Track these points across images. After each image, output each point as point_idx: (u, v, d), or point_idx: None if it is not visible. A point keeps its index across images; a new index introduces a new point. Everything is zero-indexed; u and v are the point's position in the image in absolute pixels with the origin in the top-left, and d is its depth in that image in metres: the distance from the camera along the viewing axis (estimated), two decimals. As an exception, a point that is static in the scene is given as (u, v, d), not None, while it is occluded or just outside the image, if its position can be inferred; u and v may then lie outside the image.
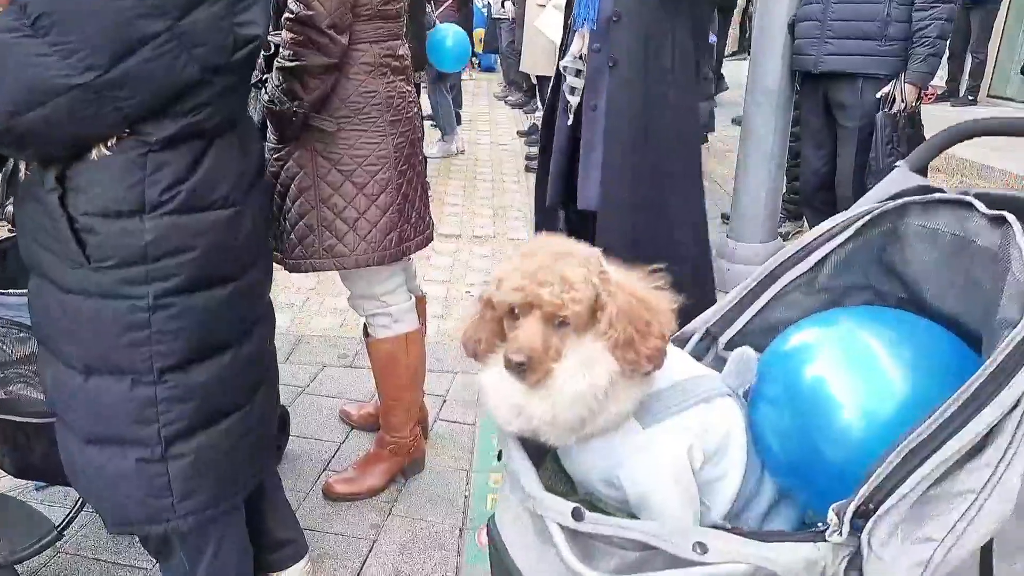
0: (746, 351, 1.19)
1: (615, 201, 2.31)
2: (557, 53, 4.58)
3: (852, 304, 1.32)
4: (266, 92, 1.96)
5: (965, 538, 0.92)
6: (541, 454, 1.25)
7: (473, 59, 10.89)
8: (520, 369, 1.04)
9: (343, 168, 2.02)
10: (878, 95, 3.21)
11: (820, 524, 1.01)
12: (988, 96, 7.97)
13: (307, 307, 3.73)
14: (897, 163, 1.37)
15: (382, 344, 2.25)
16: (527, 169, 6.11)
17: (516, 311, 1.09)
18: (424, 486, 2.43)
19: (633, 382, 1.11)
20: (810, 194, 3.70)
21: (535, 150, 6.41)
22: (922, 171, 1.35)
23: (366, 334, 2.33)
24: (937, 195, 1.15)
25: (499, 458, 1.25)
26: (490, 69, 11.28)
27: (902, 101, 3.11)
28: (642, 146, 2.28)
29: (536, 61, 5.53)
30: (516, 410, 1.10)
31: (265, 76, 1.97)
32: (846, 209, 3.64)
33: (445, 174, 5.95)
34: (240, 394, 1.54)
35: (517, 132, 7.44)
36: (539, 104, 7.36)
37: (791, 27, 3.48)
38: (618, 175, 2.29)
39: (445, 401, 2.93)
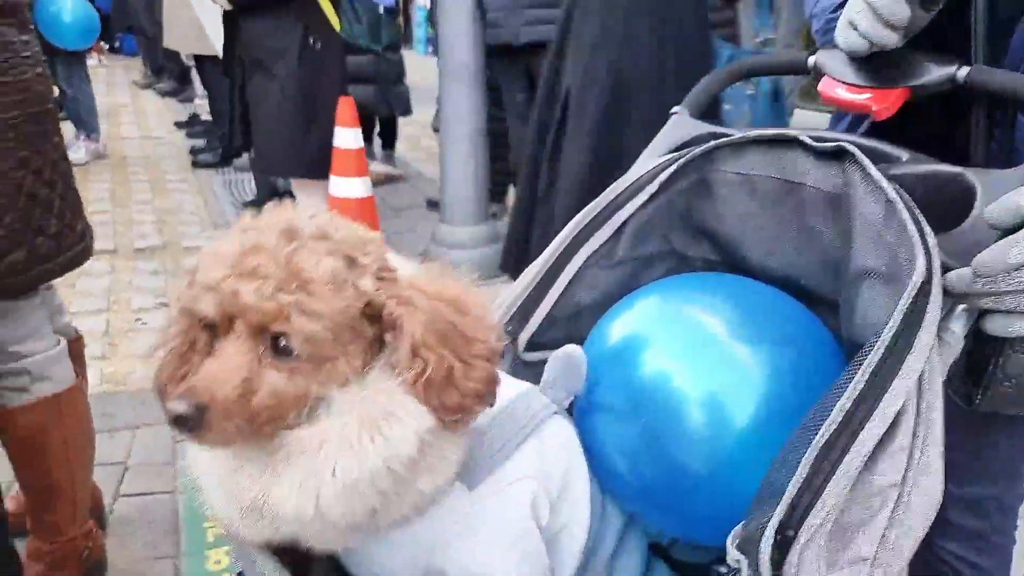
0: (573, 351, 0.90)
1: None
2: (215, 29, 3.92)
3: (655, 276, 1.12)
4: None
5: (898, 549, 0.74)
6: (304, 557, 0.82)
7: (102, 43, 9.21)
8: (184, 425, 0.64)
9: None
10: None
11: (722, 568, 0.77)
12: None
13: None
14: (676, 110, 1.19)
15: (21, 416, 1.56)
16: (195, 165, 5.22)
17: (216, 327, 0.68)
18: (114, 596, 1.78)
19: (455, 436, 0.74)
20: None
21: (201, 142, 5.56)
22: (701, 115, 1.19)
23: (-13, 405, 1.59)
24: (753, 134, 0.96)
25: (237, 584, 0.80)
26: (135, 53, 9.58)
27: None
28: None
29: (185, 36, 4.69)
30: (252, 510, 0.69)
31: None
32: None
33: (83, 177, 4.81)
34: None
35: (175, 123, 6.39)
36: (197, 91, 6.40)
37: (478, -1, 3.35)
38: None
39: (127, 469, 2.24)
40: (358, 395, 0.69)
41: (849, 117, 1.31)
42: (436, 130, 4.75)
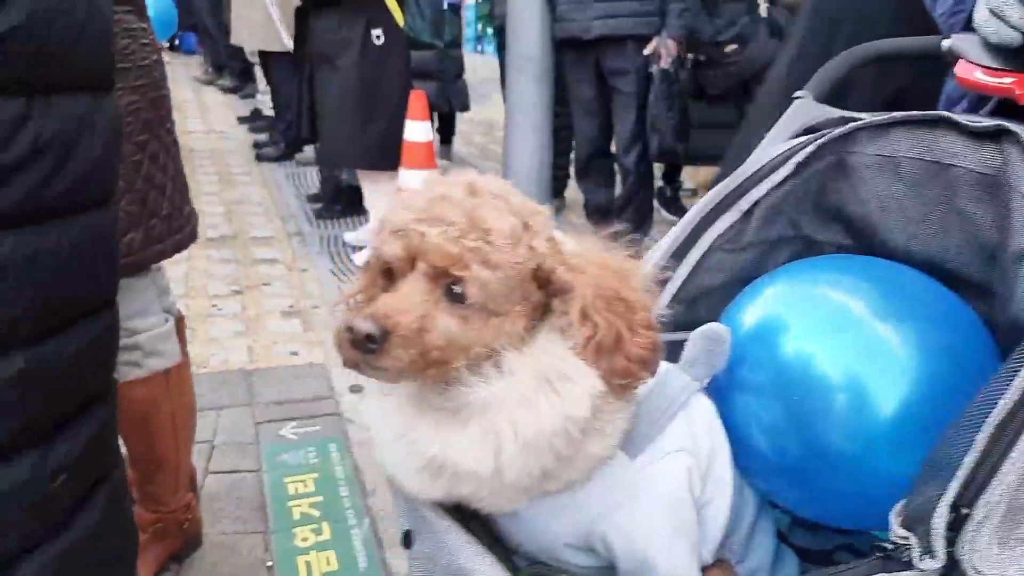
0: (719, 329, 0.90)
1: None
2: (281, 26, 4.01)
3: (780, 260, 1.11)
4: None
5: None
6: (462, 516, 0.84)
7: (163, 41, 9.46)
8: (364, 347, 0.66)
9: None
10: (645, 53, 3.23)
11: (884, 543, 0.76)
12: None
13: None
14: (799, 94, 1.19)
15: (132, 390, 1.61)
16: (259, 159, 5.34)
17: (396, 273, 0.71)
18: (208, 567, 1.86)
19: (620, 403, 0.76)
20: (584, 164, 3.66)
21: (263, 137, 5.68)
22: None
23: (97, 379, 1.65)
24: (898, 115, 0.96)
25: (406, 543, 0.82)
26: (193, 51, 9.84)
27: (669, 57, 3.16)
28: None
29: (252, 33, 4.79)
30: (433, 466, 0.72)
31: None
32: (626, 174, 3.65)
33: (152, 169, 4.87)
34: None
35: (238, 119, 6.53)
36: (259, 87, 6.54)
37: (548, -8, 3.37)
38: None
39: (214, 447, 2.30)
40: (530, 355, 0.71)
41: (965, 102, 1.28)
42: None
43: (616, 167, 3.65)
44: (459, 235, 0.68)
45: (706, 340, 0.88)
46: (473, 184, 0.72)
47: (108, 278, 1.13)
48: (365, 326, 0.66)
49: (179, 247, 1.63)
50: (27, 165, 0.90)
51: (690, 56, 3.40)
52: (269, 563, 1.88)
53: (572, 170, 4.17)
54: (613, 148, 3.62)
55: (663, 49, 3.16)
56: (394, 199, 0.77)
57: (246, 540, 1.94)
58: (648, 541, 0.77)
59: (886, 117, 0.96)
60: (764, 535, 0.96)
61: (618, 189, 3.77)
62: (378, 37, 3.35)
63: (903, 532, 0.71)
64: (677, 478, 0.80)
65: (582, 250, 0.77)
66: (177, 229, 1.62)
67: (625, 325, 0.72)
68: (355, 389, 2.65)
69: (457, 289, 0.69)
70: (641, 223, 3.63)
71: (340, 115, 3.44)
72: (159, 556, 1.77)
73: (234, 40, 5.26)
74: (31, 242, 0.92)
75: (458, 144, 5.87)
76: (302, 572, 1.85)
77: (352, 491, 2.14)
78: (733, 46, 3.23)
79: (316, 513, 2.06)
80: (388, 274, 0.73)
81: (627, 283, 0.75)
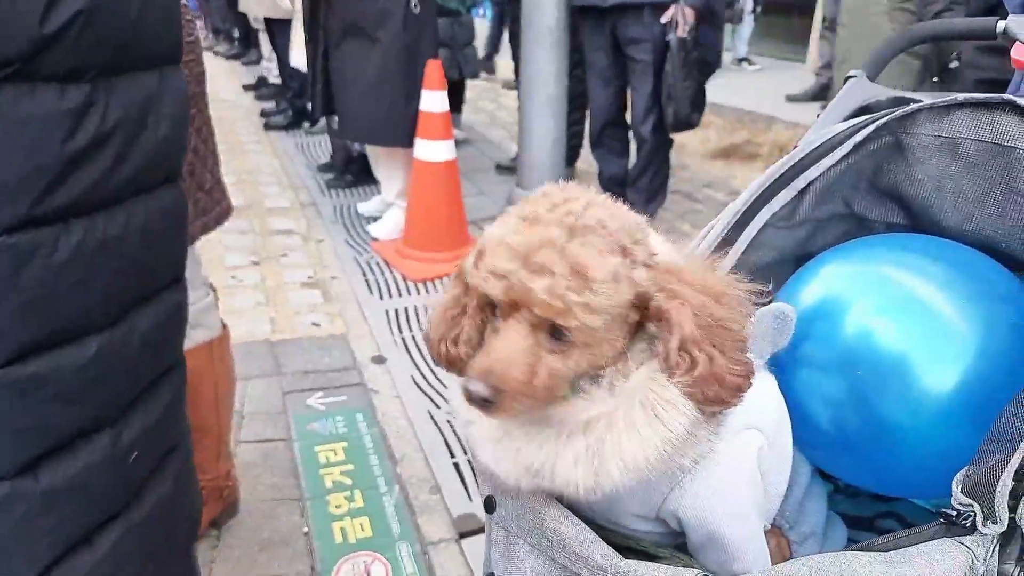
0: (785, 308, 0.92)
1: None
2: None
3: (829, 237, 1.14)
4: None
5: None
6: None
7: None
8: (482, 404, 0.70)
9: None
10: (662, 21, 3.20)
11: (946, 510, 0.79)
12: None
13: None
14: (853, 73, 1.20)
15: (177, 361, 1.63)
16: (267, 127, 5.31)
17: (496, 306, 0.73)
18: (247, 533, 1.90)
19: (712, 420, 0.77)
20: (599, 132, 3.65)
21: (270, 105, 5.64)
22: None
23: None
24: (961, 97, 0.97)
25: (488, 508, 0.86)
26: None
27: (685, 24, 3.13)
28: None
29: (259, 0, 4.73)
30: (533, 470, 0.76)
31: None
32: (641, 143, 3.61)
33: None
34: None
35: (243, 86, 6.47)
36: (264, 52, 6.46)
37: (565, -39, 3.32)
38: None
39: (243, 417, 2.34)
40: (633, 380, 0.73)
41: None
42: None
43: (631, 137, 3.64)
44: (566, 287, 0.68)
45: (773, 318, 0.91)
46: (572, 222, 0.70)
47: (179, 253, 1.13)
48: (480, 390, 0.69)
49: (220, 220, 1.64)
50: (92, 154, 0.88)
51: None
52: (305, 529, 1.92)
53: (586, 139, 4.17)
54: (628, 118, 3.62)
55: (680, 17, 3.13)
56: (489, 232, 0.74)
57: (282, 507, 1.99)
58: (720, 517, 0.79)
59: (948, 99, 0.97)
60: (817, 500, 1.00)
61: (632, 160, 3.77)
62: (415, 6, 3.23)
63: (966, 500, 0.74)
64: (749, 456, 0.82)
65: (683, 271, 0.75)
66: (218, 201, 1.64)
67: (721, 353, 0.72)
68: (377, 360, 2.69)
69: (559, 330, 0.70)
70: (656, 194, 3.63)
71: (378, 91, 3.26)
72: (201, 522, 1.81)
73: (242, 7, 5.19)
74: (99, 228, 0.91)
75: (467, 112, 5.83)
76: (338, 538, 1.90)
77: (381, 459, 2.19)
78: None
79: (348, 481, 2.10)
80: (488, 304, 0.74)
81: (724, 304, 0.74)
